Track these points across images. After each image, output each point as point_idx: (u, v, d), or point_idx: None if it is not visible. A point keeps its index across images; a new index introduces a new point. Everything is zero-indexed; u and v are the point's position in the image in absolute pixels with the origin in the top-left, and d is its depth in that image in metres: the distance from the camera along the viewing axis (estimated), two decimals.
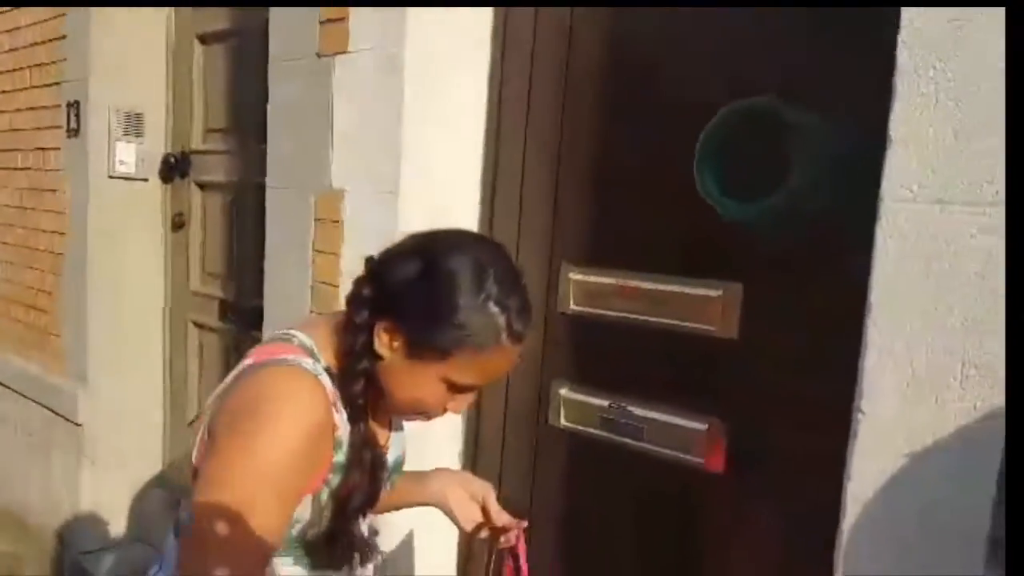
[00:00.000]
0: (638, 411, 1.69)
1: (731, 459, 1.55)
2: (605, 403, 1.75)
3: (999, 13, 1.01)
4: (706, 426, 1.58)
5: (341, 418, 0.95)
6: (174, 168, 3.00)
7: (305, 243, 2.09)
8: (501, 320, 0.91)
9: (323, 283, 2.03)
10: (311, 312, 2.06)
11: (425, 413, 1.00)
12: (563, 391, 1.83)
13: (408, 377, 0.94)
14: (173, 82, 3.00)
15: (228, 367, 1.04)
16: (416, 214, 1.84)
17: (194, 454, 0.98)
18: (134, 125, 2.92)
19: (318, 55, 2.01)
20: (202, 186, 2.95)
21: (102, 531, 3.04)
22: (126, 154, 2.91)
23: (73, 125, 2.90)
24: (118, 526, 3.07)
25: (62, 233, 3.07)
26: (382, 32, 1.86)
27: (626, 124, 1.71)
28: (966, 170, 1.05)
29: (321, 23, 2.00)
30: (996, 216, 1.03)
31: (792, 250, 1.45)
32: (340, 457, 0.96)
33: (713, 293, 1.56)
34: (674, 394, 1.63)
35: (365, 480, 0.98)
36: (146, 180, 3.00)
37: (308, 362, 0.94)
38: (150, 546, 2.97)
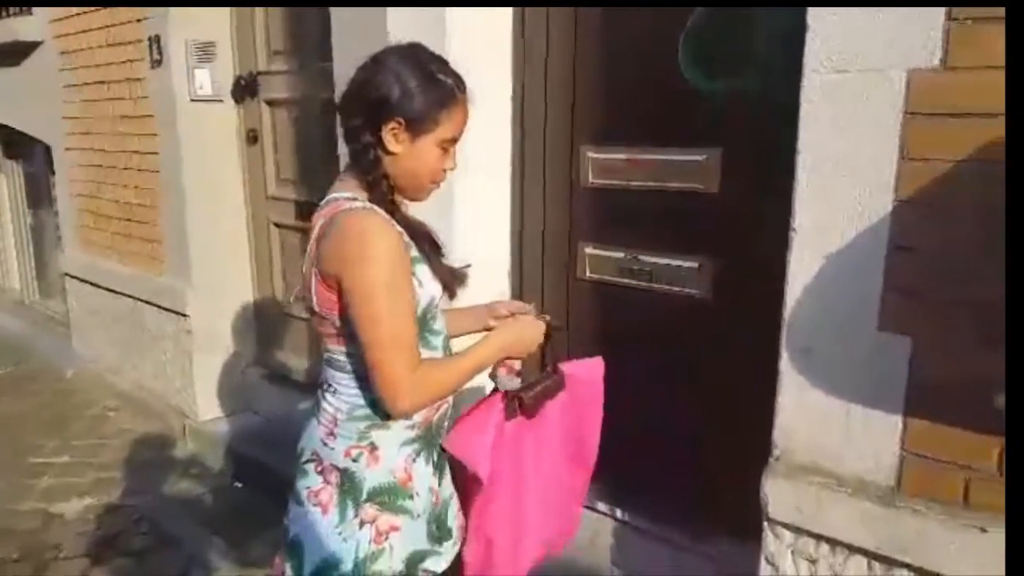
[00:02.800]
0: (647, 258, 2.14)
1: (716, 288, 2.00)
2: (621, 255, 2.20)
3: None
4: (698, 264, 2.03)
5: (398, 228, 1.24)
6: (244, 89, 3.42)
7: None
8: (449, 81, 1.25)
9: None
10: None
11: (435, 181, 1.32)
12: (588, 249, 2.29)
13: (415, 157, 1.26)
14: (237, 10, 3.38)
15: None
16: None
17: (314, 300, 1.30)
18: (207, 53, 3.33)
19: None
20: (270, 103, 3.38)
21: (212, 403, 3.64)
22: (203, 79, 3.34)
23: (156, 56, 3.33)
24: (224, 398, 3.66)
25: (155, 153, 3.55)
26: None
27: (625, 28, 2.09)
28: (859, 46, 1.44)
29: None
30: (880, 79, 1.42)
31: (756, 118, 1.84)
32: (412, 251, 1.26)
33: (699, 158, 1.97)
34: (673, 242, 2.07)
35: (424, 233, 1.33)
36: (221, 101, 3.43)
37: (357, 204, 1.24)
38: (253, 412, 3.59)
